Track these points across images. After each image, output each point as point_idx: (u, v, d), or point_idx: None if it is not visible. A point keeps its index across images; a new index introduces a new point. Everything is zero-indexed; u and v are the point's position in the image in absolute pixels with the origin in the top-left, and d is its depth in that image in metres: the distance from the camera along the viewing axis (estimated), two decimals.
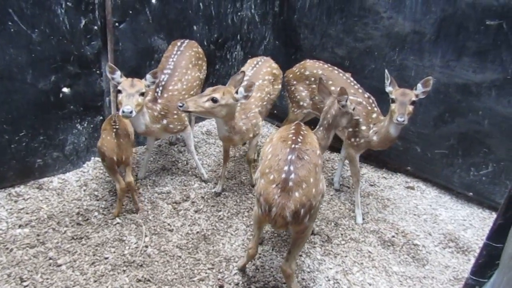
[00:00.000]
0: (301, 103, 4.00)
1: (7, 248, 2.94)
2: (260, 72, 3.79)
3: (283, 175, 2.37)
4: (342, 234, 3.51)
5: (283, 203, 2.33)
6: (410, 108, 3.17)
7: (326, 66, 3.89)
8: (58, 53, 3.46)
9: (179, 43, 3.93)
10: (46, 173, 3.74)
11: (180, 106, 2.89)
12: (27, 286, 2.68)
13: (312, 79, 3.87)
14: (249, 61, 4.01)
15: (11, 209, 3.33)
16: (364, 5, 4.19)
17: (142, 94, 3.09)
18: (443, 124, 4.04)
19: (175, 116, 3.61)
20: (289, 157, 2.44)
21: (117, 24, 3.80)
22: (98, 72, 3.81)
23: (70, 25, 3.46)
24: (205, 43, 4.67)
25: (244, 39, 5.06)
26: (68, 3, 3.38)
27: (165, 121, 3.55)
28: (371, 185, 4.29)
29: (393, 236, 3.54)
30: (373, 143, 3.54)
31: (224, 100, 2.99)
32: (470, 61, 3.70)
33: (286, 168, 2.39)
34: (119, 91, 3.03)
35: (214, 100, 2.96)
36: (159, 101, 3.52)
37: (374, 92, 3.69)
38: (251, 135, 3.61)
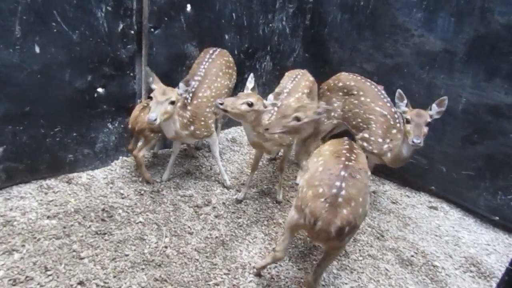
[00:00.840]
0: (332, 113, 4.06)
1: (35, 238, 3.07)
2: (299, 85, 3.91)
3: (334, 190, 2.35)
4: (359, 250, 3.48)
5: (330, 219, 2.31)
6: (425, 129, 3.15)
7: (359, 78, 3.96)
8: (95, 55, 3.61)
9: (211, 51, 4.04)
10: (76, 169, 3.89)
11: (220, 104, 2.99)
12: (50, 275, 2.77)
13: (345, 90, 3.96)
14: (287, 73, 4.12)
15: (41, 200, 3.47)
16: (395, 22, 4.20)
17: (172, 102, 3.22)
18: (471, 145, 3.97)
19: (202, 123, 3.72)
20: (342, 173, 2.42)
21: (152, 29, 3.94)
22: (131, 74, 3.96)
23: (109, 29, 3.62)
24: (236, 52, 4.77)
25: (274, 50, 5.13)
26: (108, 7, 3.54)
27: (192, 128, 3.66)
28: (393, 203, 4.25)
29: (412, 256, 3.49)
30: (385, 159, 3.53)
31: (257, 106, 3.08)
32: (502, 83, 3.65)
33: (337, 183, 2.37)
34: (151, 97, 3.18)
35: (249, 104, 3.06)
36: (189, 108, 3.64)
37: None
38: (284, 144, 3.67)
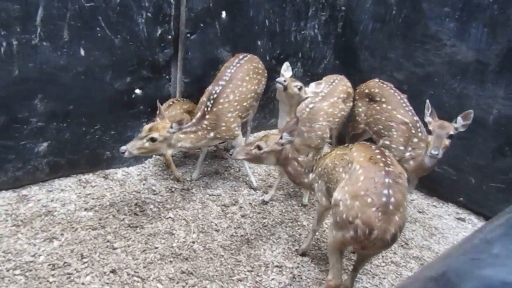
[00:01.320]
0: (357, 118, 4.19)
1: (73, 227, 3.29)
2: (336, 90, 4.06)
3: (384, 199, 2.34)
4: (383, 256, 3.51)
5: (385, 227, 2.32)
6: (447, 142, 3.15)
7: (384, 85, 4.02)
8: (135, 58, 3.83)
9: (240, 56, 4.06)
10: (112, 165, 4.12)
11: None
12: (86, 262, 2.98)
13: (370, 96, 4.07)
14: (325, 78, 4.23)
15: (79, 193, 3.71)
16: (427, 31, 4.21)
17: (153, 140, 3.26)
18: (502, 157, 3.92)
19: (224, 127, 3.72)
20: (386, 180, 2.41)
21: (188, 35, 4.13)
22: (167, 77, 4.16)
23: (148, 34, 3.83)
24: (267, 58, 4.90)
25: (305, 57, 5.23)
26: (148, 13, 3.76)
27: (212, 134, 3.68)
28: (420, 212, 4.24)
29: None
30: (407, 167, 3.54)
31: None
32: None
33: (385, 192, 2.36)
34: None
35: (299, 88, 3.32)
36: (207, 116, 3.64)
37: None
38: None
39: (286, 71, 3.54)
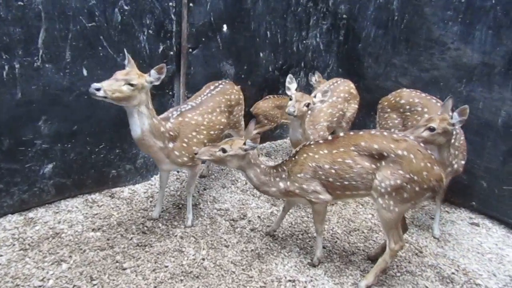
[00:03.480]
0: (392, 130, 4.03)
1: (81, 249, 3.25)
2: (336, 90, 4.13)
3: (433, 157, 2.92)
4: (397, 266, 3.43)
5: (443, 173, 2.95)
6: (425, 133, 3.12)
7: (423, 95, 3.88)
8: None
9: (212, 87, 3.79)
10: (118, 183, 4.09)
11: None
12: (95, 285, 2.93)
13: (407, 107, 3.90)
14: (329, 80, 4.33)
15: (86, 213, 3.68)
16: (431, 36, 4.18)
17: (131, 85, 2.82)
18: None
19: (184, 145, 3.31)
20: (419, 145, 2.91)
21: (190, 50, 4.12)
22: (170, 93, 4.15)
23: (150, 50, 3.83)
24: (270, 69, 4.89)
25: (308, 66, 5.21)
26: (150, 31, 3.76)
27: (171, 145, 3.25)
28: (432, 218, 4.14)
29: (453, 273, 3.39)
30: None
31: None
32: None
33: (430, 151, 2.95)
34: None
35: (307, 105, 3.37)
36: (172, 120, 3.32)
37: None
38: None
39: (291, 83, 3.52)
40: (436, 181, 2.83)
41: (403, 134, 2.98)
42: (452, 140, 3.42)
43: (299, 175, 3.05)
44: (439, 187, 2.87)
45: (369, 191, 2.98)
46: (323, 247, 3.55)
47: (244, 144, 2.99)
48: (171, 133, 3.24)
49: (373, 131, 3.02)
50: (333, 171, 2.96)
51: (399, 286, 3.21)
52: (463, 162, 3.57)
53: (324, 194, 3.06)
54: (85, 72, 3.50)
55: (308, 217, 3.96)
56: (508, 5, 3.63)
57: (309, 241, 3.63)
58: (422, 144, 2.91)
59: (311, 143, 3.13)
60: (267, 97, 4.87)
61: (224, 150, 2.98)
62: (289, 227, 3.80)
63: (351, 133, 3.06)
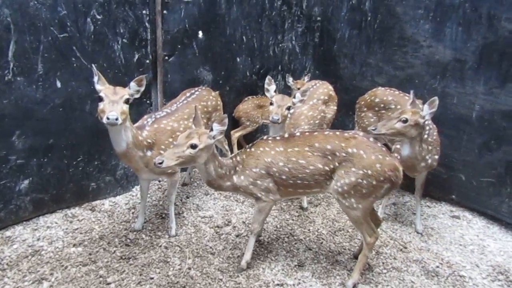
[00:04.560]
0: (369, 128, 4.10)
1: (62, 265, 3.15)
2: (315, 92, 4.15)
3: (380, 146, 2.96)
4: (383, 263, 3.46)
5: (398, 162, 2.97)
6: (397, 125, 3.20)
7: (397, 92, 3.99)
8: (113, 85, 3.74)
9: (188, 94, 3.77)
10: (98, 196, 4.00)
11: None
12: None
13: (382, 105, 4.01)
14: (307, 84, 4.34)
15: (66, 229, 3.58)
16: (404, 34, 4.26)
17: (127, 101, 2.84)
18: (488, 152, 3.94)
19: (162, 152, 3.17)
20: (366, 136, 3.01)
21: (166, 57, 4.08)
22: (148, 102, 4.10)
23: (125, 59, 3.77)
24: (248, 73, 4.88)
25: (285, 69, 5.23)
26: (124, 39, 3.71)
27: (149, 153, 3.18)
28: (414, 214, 4.20)
29: (438, 267, 3.44)
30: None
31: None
32: None
33: (377, 143, 2.99)
34: (100, 99, 2.77)
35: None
36: (147, 128, 3.25)
37: None
38: None
39: (270, 85, 3.52)
40: (391, 171, 2.83)
41: (354, 132, 3.02)
42: (426, 136, 3.50)
43: (254, 170, 2.97)
44: (396, 177, 2.87)
45: (323, 188, 3.01)
46: (309, 249, 3.55)
47: (211, 130, 2.79)
48: (148, 140, 3.18)
49: (326, 132, 3.05)
50: (286, 169, 2.94)
51: (385, 283, 3.23)
52: (436, 156, 3.64)
53: (275, 193, 3.04)
54: (59, 84, 3.43)
55: (293, 220, 3.96)
56: (476, 2, 3.73)
57: (295, 243, 3.63)
58: (371, 139, 2.94)
59: (269, 138, 3.10)
60: (246, 98, 4.92)
61: (194, 146, 2.69)
62: (275, 230, 3.79)
63: (307, 133, 3.06)
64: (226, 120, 2.81)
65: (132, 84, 2.93)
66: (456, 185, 4.26)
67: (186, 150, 2.69)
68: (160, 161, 2.62)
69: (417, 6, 4.09)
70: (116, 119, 2.68)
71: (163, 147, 3.27)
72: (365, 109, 4.16)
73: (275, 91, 3.51)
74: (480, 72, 3.83)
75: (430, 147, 3.56)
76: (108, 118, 2.67)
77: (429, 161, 3.58)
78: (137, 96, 3.00)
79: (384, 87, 4.16)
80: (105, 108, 2.72)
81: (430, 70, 4.15)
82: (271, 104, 3.40)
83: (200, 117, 2.95)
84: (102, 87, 2.86)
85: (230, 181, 3.01)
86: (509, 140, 3.78)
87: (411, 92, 3.35)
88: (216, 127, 2.79)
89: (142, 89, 3.00)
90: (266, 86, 3.52)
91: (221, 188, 3.07)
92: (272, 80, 3.54)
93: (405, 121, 3.19)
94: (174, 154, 2.68)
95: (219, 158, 2.96)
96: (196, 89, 3.87)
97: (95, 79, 2.89)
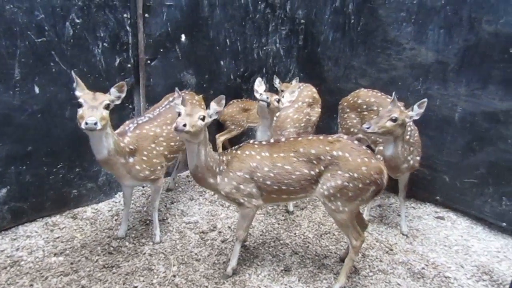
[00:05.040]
0: (352, 129, 4.13)
1: (43, 276, 3.06)
2: (300, 95, 4.13)
3: (367, 150, 2.97)
4: (369, 266, 3.46)
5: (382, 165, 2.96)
6: (388, 123, 3.20)
7: (379, 94, 4.01)
8: (94, 90, 3.64)
9: (171, 98, 3.66)
10: (80, 203, 3.91)
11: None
12: None
13: (364, 106, 4.01)
14: (291, 87, 4.22)
15: (47, 238, 3.49)
16: (387, 37, 4.28)
17: (107, 107, 2.78)
18: (471, 153, 3.98)
19: (144, 158, 3.19)
20: (351, 139, 3.00)
21: (149, 61, 4.02)
22: (130, 106, 4.03)
23: (106, 64, 3.70)
24: (232, 77, 4.85)
25: (269, 72, 5.21)
26: (104, 44, 3.64)
27: (131, 160, 3.13)
28: (400, 215, 4.22)
29: (423, 268, 3.46)
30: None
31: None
32: (496, 90, 3.69)
33: (362, 146, 2.98)
34: (79, 105, 2.73)
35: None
36: (129, 134, 3.20)
37: None
38: None
39: (260, 86, 3.53)
40: (377, 174, 2.83)
41: (337, 135, 3.01)
42: (408, 136, 3.54)
43: (238, 173, 2.92)
44: (381, 179, 2.87)
45: (308, 193, 2.99)
46: (296, 253, 3.53)
47: (208, 109, 2.79)
48: (130, 147, 3.12)
49: (310, 136, 3.04)
50: (271, 174, 2.91)
51: (372, 286, 3.23)
52: (418, 157, 3.67)
53: (258, 199, 3.00)
54: (37, 90, 3.34)
55: (279, 224, 3.94)
56: (457, 5, 3.77)
57: (281, 248, 3.60)
58: (356, 142, 2.94)
59: (255, 142, 3.07)
60: (231, 102, 4.88)
61: (203, 118, 2.66)
62: (261, 235, 3.76)
63: (291, 138, 3.06)
64: (224, 101, 2.82)
65: (113, 90, 2.89)
66: (440, 186, 4.29)
67: (198, 121, 2.64)
68: (184, 123, 2.54)
69: (400, 9, 4.11)
70: (95, 123, 2.63)
71: (145, 153, 3.22)
72: (348, 110, 4.17)
73: (264, 91, 3.50)
74: (462, 74, 3.87)
75: (411, 148, 3.59)
76: (86, 123, 2.62)
77: (411, 162, 3.61)
78: (118, 102, 2.95)
79: (367, 89, 4.18)
80: (84, 114, 2.67)
81: (413, 72, 4.17)
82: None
83: (188, 103, 2.92)
84: (81, 93, 2.81)
85: (214, 179, 2.94)
86: (491, 141, 3.82)
87: (394, 93, 3.37)
88: (214, 106, 2.80)
89: (123, 95, 2.95)
90: (256, 87, 3.52)
91: (204, 181, 2.95)
92: (262, 82, 3.55)
93: (395, 120, 3.20)
94: (191, 122, 2.60)
95: (211, 153, 2.92)
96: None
97: (74, 85, 2.84)
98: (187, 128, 2.55)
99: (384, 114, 3.25)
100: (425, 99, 3.28)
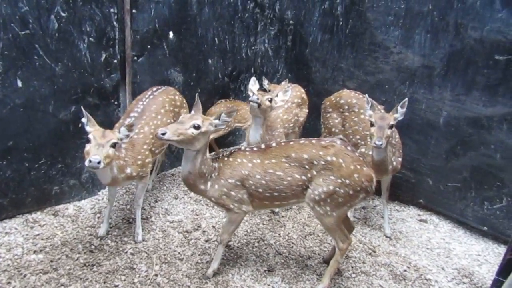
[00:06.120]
0: (334, 129, 4.13)
1: (21, 274, 3.00)
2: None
3: (361, 158, 3.01)
4: (352, 267, 3.47)
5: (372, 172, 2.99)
6: (388, 131, 3.23)
7: (361, 96, 3.99)
8: (79, 85, 3.62)
9: (154, 89, 3.74)
10: (62, 200, 3.84)
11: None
12: None
13: (346, 107, 4.02)
14: (279, 86, 4.31)
15: (27, 235, 3.42)
16: (374, 40, 4.30)
17: (114, 145, 2.86)
18: (454, 157, 4.03)
19: (139, 162, 3.31)
20: (345, 145, 3.01)
21: (135, 58, 3.98)
22: (116, 103, 3.97)
23: (92, 59, 3.64)
24: (220, 75, 4.83)
25: (257, 72, 5.20)
26: (90, 38, 3.58)
27: (128, 170, 3.23)
28: (383, 218, 4.26)
29: (405, 270, 3.49)
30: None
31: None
32: (480, 95, 3.74)
33: (356, 153, 3.01)
34: (88, 141, 2.81)
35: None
36: (123, 145, 3.22)
37: None
38: None
39: (254, 85, 3.56)
40: (367, 182, 2.87)
41: (331, 140, 2.99)
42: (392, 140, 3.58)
43: (229, 180, 2.90)
44: (371, 187, 2.92)
45: (300, 199, 2.98)
46: (279, 254, 3.53)
47: (218, 119, 2.78)
48: (126, 159, 3.22)
49: (302, 141, 3.03)
50: (263, 181, 2.89)
51: (354, 287, 3.25)
52: (400, 159, 3.73)
53: (248, 205, 2.99)
54: (19, 83, 3.27)
55: (263, 224, 3.93)
56: (444, 10, 3.81)
57: (265, 248, 3.60)
58: (349, 148, 2.97)
59: (246, 149, 3.05)
60: (219, 101, 4.84)
61: (197, 127, 2.65)
62: (245, 235, 3.74)
63: (282, 143, 3.04)
64: (234, 113, 2.84)
65: (122, 129, 2.97)
66: (423, 189, 4.33)
67: (189, 129, 2.64)
68: (163, 132, 2.57)
69: (387, 12, 4.14)
70: (99, 162, 2.69)
71: (139, 157, 3.31)
72: (330, 109, 4.18)
73: (258, 90, 3.54)
74: (447, 79, 3.91)
75: (394, 150, 3.63)
76: (90, 161, 2.69)
77: (395, 163, 3.65)
78: (126, 140, 3.06)
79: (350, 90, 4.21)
80: (90, 151, 2.75)
81: (400, 76, 4.21)
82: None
83: (200, 105, 2.91)
84: (91, 129, 2.89)
85: (205, 185, 2.91)
86: (474, 146, 3.87)
87: (366, 95, 3.44)
88: (224, 117, 2.79)
89: (133, 134, 3.08)
90: (250, 86, 3.56)
91: (195, 187, 2.93)
92: (257, 81, 3.58)
93: (392, 126, 3.26)
94: (177, 130, 2.62)
95: (208, 155, 2.89)
96: (159, 86, 3.81)
97: (84, 120, 2.93)
98: (166, 136, 2.58)
99: (383, 124, 3.23)
100: (406, 98, 3.35)
